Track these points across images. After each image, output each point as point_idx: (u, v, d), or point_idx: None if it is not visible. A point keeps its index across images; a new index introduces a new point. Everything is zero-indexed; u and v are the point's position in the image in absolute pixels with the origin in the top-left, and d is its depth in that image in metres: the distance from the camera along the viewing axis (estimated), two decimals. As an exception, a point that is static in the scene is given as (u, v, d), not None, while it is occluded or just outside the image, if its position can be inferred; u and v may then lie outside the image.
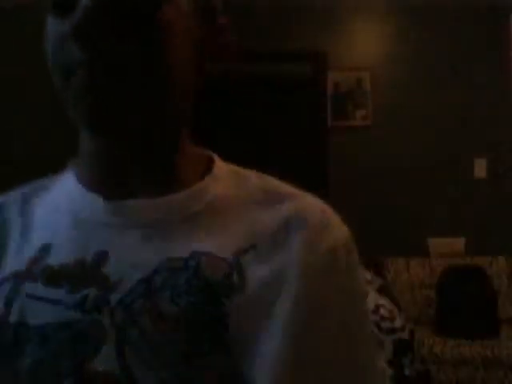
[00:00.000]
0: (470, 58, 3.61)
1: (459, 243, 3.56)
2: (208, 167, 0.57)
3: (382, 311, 1.12)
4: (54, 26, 0.48)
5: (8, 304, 0.48)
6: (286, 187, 0.58)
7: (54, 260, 0.50)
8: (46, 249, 0.51)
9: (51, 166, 0.67)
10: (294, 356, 0.47)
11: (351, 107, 3.65)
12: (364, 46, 3.67)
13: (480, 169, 3.60)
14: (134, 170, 0.53)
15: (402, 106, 3.63)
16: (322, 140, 3.65)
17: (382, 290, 1.27)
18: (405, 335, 1.09)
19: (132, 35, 0.46)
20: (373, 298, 1.15)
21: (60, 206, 0.54)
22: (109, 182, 0.53)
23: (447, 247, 3.55)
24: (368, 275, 1.39)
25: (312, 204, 0.57)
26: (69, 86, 0.48)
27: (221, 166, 0.57)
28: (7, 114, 3.41)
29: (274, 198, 0.55)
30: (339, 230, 0.57)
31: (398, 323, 1.11)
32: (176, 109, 0.53)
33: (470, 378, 2.76)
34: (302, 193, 0.58)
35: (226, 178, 0.56)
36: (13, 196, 0.58)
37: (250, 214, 0.53)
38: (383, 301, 1.16)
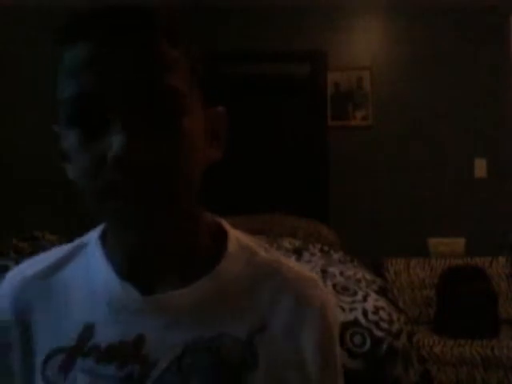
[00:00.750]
0: (470, 58, 3.61)
1: (459, 243, 3.56)
2: (221, 239, 0.65)
3: (381, 313, 1.12)
4: (84, 151, 0.53)
5: (62, 374, 0.59)
6: (289, 267, 0.67)
7: (99, 340, 0.60)
8: (90, 328, 0.60)
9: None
10: None
11: (351, 107, 3.64)
12: (364, 46, 3.67)
13: (480, 169, 3.60)
14: (161, 263, 0.62)
15: (402, 106, 3.63)
16: (322, 140, 3.65)
17: (382, 292, 1.27)
18: (398, 343, 1.09)
19: (159, 144, 0.53)
20: (372, 299, 1.16)
21: (96, 290, 0.62)
22: (140, 272, 0.62)
23: (447, 247, 3.55)
24: (368, 275, 1.39)
25: (312, 296, 0.66)
26: (105, 207, 0.54)
27: (233, 241, 0.66)
28: (7, 111, 3.41)
29: (279, 283, 0.65)
30: (335, 318, 0.68)
31: (394, 328, 1.11)
32: (192, 194, 0.59)
33: (469, 377, 2.75)
34: (303, 276, 0.67)
35: (238, 254, 0.65)
36: (42, 269, 0.66)
37: (261, 294, 0.64)
38: (382, 303, 1.16)
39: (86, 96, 0.51)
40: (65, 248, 0.68)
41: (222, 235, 0.66)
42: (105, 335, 0.59)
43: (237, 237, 0.67)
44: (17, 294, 0.64)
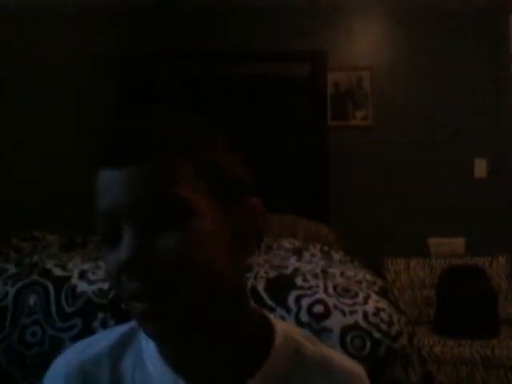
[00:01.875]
0: (470, 58, 3.61)
1: (459, 243, 3.56)
2: (267, 334, 0.66)
3: (382, 315, 1.12)
4: (107, 260, 0.60)
5: None
6: (339, 363, 0.68)
7: None
8: None
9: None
10: None
11: (351, 107, 3.65)
12: (364, 46, 3.67)
13: (480, 169, 3.60)
14: (207, 363, 0.63)
15: (402, 106, 3.63)
16: (322, 140, 3.65)
17: (383, 293, 1.26)
18: (397, 345, 1.09)
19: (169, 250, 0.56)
20: (373, 301, 1.15)
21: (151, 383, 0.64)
22: (190, 370, 0.63)
23: (447, 247, 3.55)
24: (369, 276, 1.38)
25: None
26: (133, 310, 0.58)
27: (280, 336, 0.66)
28: (7, 111, 3.40)
29: (330, 382, 0.66)
30: None
31: (394, 330, 1.10)
32: (226, 299, 0.61)
33: (469, 377, 2.75)
34: (355, 374, 0.68)
35: (286, 350, 0.65)
36: (97, 355, 0.67)
37: None
38: (383, 304, 1.16)
39: (105, 212, 0.59)
40: (119, 331, 0.69)
41: (269, 329, 0.67)
42: None
43: (284, 330, 0.67)
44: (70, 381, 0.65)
